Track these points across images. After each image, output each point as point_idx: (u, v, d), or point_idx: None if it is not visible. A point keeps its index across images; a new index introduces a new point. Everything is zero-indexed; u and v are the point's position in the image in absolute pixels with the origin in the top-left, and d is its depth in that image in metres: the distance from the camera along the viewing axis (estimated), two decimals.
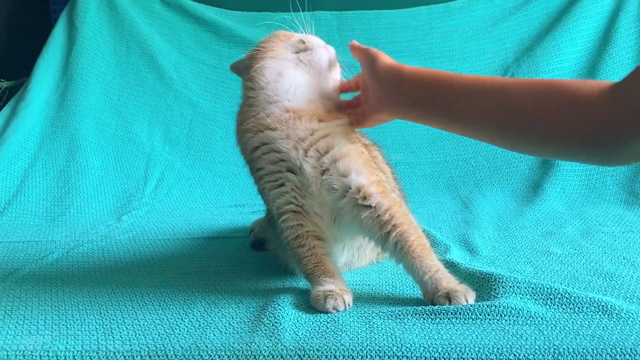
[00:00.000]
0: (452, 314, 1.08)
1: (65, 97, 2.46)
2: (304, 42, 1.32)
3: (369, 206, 1.19)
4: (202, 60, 2.72)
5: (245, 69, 1.32)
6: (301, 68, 1.29)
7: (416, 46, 2.72)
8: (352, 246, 1.38)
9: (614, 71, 2.46)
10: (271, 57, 1.29)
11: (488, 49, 2.69)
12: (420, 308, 1.11)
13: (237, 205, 2.23)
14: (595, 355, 0.92)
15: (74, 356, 0.98)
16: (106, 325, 1.10)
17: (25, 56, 2.63)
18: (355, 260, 1.41)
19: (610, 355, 0.92)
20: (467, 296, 1.14)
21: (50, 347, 1.00)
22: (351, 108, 1.30)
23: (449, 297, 1.13)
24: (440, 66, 2.63)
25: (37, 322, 1.12)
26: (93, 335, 1.05)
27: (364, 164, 1.23)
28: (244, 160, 1.33)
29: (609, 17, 2.57)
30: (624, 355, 0.92)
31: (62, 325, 1.11)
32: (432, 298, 1.15)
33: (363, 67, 1.27)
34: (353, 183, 1.20)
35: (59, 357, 0.98)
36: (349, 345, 0.98)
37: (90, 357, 0.98)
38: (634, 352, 0.92)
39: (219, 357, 0.97)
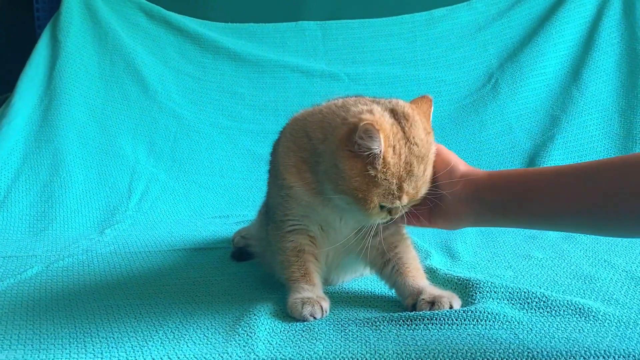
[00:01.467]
0: (428, 319, 1.07)
1: (48, 111, 2.45)
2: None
3: (377, 240, 1.20)
4: (187, 73, 2.72)
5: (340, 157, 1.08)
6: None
7: (400, 54, 2.73)
8: (356, 270, 1.38)
9: (597, 76, 2.48)
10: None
11: (472, 56, 2.70)
12: (396, 314, 1.11)
13: (222, 216, 2.22)
14: (569, 358, 0.91)
15: None
16: (80, 338, 1.09)
17: (10, 72, 2.63)
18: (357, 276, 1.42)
19: (584, 357, 0.91)
20: (452, 302, 1.13)
21: None
22: None
23: (432, 302, 1.13)
24: (424, 73, 2.66)
25: (11, 337, 1.10)
26: (65, 349, 1.04)
27: None
28: (273, 166, 1.26)
29: (591, 22, 2.59)
30: (598, 357, 0.91)
31: (36, 339, 1.09)
32: (414, 302, 1.14)
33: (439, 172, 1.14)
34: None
35: None
36: (322, 354, 0.97)
37: None
38: (608, 353, 0.91)
39: None
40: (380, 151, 1.03)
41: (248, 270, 1.49)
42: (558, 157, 2.35)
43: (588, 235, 1.69)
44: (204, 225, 2.08)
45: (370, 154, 1.03)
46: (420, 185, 1.09)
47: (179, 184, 2.45)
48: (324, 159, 1.11)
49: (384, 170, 1.04)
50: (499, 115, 2.55)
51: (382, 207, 1.08)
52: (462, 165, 1.13)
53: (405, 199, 1.07)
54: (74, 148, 2.40)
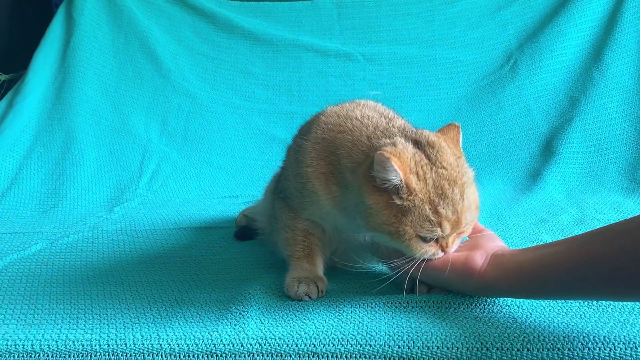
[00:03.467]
0: (424, 302, 1.05)
1: (62, 89, 2.45)
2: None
3: None
4: (201, 52, 2.70)
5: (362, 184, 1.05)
6: None
7: (418, 34, 2.68)
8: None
9: (618, 57, 2.40)
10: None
11: (491, 36, 2.63)
12: (393, 297, 1.08)
13: (231, 196, 2.20)
14: (567, 343, 0.89)
15: (32, 344, 0.97)
16: (73, 314, 1.09)
17: (27, 49, 2.63)
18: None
19: (582, 344, 0.88)
20: None
21: (10, 336, 0.99)
22: None
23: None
24: (442, 53, 2.61)
25: (5, 312, 1.11)
26: (57, 324, 1.04)
27: None
28: (296, 154, 1.19)
29: (614, 2, 2.50)
30: (597, 342, 0.88)
31: (30, 314, 1.10)
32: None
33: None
34: None
35: (17, 345, 0.97)
36: (313, 333, 0.95)
37: (48, 345, 0.96)
38: (607, 339, 0.88)
39: (178, 345, 0.95)
40: (401, 180, 0.98)
41: (250, 250, 1.47)
42: (576, 140, 2.28)
43: (601, 220, 1.65)
44: (212, 205, 2.07)
45: (390, 185, 0.99)
46: (460, 209, 1.01)
47: (191, 163, 2.44)
48: (353, 194, 1.07)
49: (410, 197, 0.99)
50: (517, 97, 2.48)
51: (424, 239, 1.01)
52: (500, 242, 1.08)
53: (446, 226, 1.00)
54: (87, 126, 2.41)
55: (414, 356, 0.91)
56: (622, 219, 0.86)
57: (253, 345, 0.93)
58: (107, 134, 2.43)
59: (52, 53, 2.53)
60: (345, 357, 0.92)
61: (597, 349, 0.88)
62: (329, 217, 1.17)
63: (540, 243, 1.44)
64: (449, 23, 2.68)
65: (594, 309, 1.00)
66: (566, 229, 1.58)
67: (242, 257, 1.42)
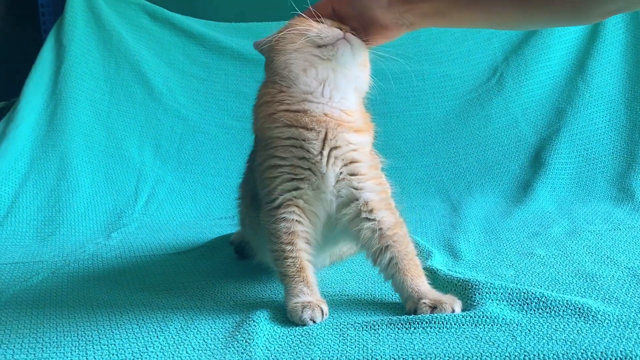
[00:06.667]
0: (427, 322, 1.08)
1: (54, 116, 2.46)
2: (321, 38, 1.22)
3: (373, 219, 1.21)
4: (191, 74, 2.73)
5: (268, 54, 1.30)
6: (326, 64, 1.22)
7: (404, 50, 2.67)
8: (333, 253, 1.41)
9: (602, 67, 2.45)
10: (294, 49, 1.22)
11: (477, 50, 2.68)
12: (395, 318, 1.11)
13: (227, 217, 2.22)
14: None
15: None
16: (81, 346, 1.10)
17: (18, 77, 2.64)
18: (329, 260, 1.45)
19: None
20: (454, 306, 1.13)
21: None
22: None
23: (434, 307, 1.13)
24: (429, 69, 2.64)
25: (14, 346, 1.12)
26: (67, 357, 1.05)
27: (378, 183, 1.26)
28: (256, 135, 1.30)
29: None
30: (595, 358, 0.91)
31: (38, 348, 1.11)
32: (415, 306, 1.15)
33: None
34: (363, 197, 1.22)
35: None
36: (319, 359, 0.97)
37: None
38: (605, 355, 0.91)
39: None
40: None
41: (250, 273, 1.49)
42: (564, 150, 2.33)
43: (592, 232, 1.69)
44: (209, 227, 2.09)
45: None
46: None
47: (185, 185, 2.46)
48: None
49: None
50: (504, 109, 2.53)
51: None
52: None
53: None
54: (81, 152, 2.42)
55: None
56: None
57: None
58: (101, 159, 2.44)
59: (44, 80, 2.53)
60: None
61: None
62: (299, 157, 1.21)
63: (535, 257, 1.48)
64: (435, 38, 2.72)
65: (590, 324, 1.03)
66: (559, 241, 1.62)
67: (244, 282, 1.44)
